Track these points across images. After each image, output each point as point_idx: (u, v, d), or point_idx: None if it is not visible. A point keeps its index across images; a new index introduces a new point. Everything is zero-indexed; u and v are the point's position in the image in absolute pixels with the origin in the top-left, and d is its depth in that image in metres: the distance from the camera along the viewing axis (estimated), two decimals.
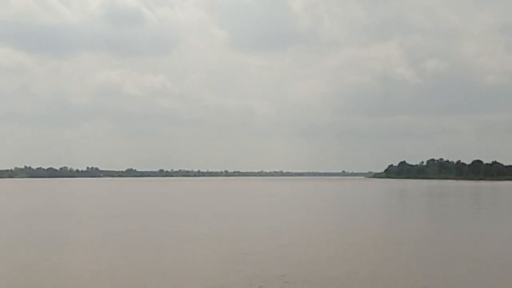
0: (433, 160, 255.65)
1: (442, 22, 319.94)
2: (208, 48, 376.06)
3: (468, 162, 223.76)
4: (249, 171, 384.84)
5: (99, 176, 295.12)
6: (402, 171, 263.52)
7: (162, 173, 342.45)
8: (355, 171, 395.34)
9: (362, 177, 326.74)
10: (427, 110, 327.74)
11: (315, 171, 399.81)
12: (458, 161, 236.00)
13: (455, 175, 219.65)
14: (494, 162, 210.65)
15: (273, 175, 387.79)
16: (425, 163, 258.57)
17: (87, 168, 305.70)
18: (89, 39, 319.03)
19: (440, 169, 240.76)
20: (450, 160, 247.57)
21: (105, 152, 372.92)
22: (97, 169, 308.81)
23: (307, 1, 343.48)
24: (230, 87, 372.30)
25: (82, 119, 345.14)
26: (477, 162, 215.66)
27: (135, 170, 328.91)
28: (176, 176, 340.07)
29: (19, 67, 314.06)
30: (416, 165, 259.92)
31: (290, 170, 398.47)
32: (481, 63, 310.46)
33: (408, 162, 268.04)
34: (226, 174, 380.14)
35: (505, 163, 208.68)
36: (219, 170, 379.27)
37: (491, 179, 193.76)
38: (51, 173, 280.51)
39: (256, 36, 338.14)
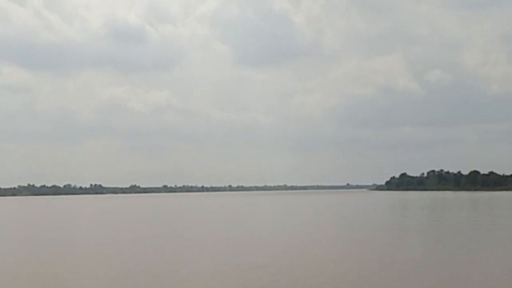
0: (433, 171, 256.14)
1: (444, 33, 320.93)
2: (212, 63, 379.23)
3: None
4: (252, 185, 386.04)
5: (102, 193, 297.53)
6: (402, 183, 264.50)
7: (165, 189, 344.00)
8: (359, 184, 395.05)
9: (365, 190, 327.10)
10: (431, 121, 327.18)
11: (319, 184, 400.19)
12: (458, 172, 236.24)
13: (453, 186, 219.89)
14: (491, 173, 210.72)
15: (277, 189, 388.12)
16: (425, 175, 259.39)
17: (91, 185, 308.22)
18: (93, 56, 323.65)
19: (439, 180, 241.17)
20: (451, 171, 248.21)
21: (109, 169, 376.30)
22: (100, 186, 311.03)
23: (309, 15, 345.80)
24: (234, 101, 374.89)
25: (86, 136, 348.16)
26: (474, 173, 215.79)
27: (138, 186, 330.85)
28: (180, 191, 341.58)
29: (24, 86, 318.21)
30: (416, 177, 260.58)
31: (294, 184, 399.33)
32: (484, 73, 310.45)
33: (412, 173, 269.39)
34: (230, 189, 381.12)
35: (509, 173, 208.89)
36: (222, 185, 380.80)
37: (488, 190, 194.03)
38: (54, 190, 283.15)
39: (259, 51, 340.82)
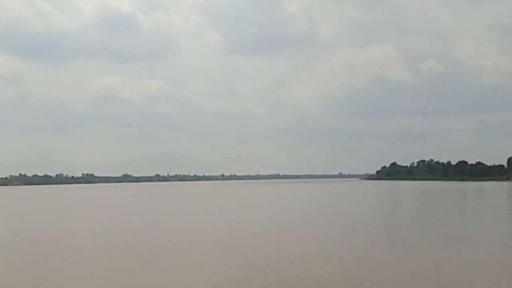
0: (423, 161, 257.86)
1: (437, 23, 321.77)
2: (205, 52, 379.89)
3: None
4: (245, 174, 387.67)
5: (95, 182, 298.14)
6: (392, 172, 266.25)
7: (158, 178, 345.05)
8: (352, 173, 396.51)
9: (356, 179, 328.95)
10: (424, 111, 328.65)
11: (312, 173, 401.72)
12: (448, 162, 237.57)
13: (442, 176, 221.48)
14: (478, 163, 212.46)
15: (269, 178, 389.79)
16: (415, 164, 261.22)
17: (83, 174, 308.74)
18: (86, 45, 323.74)
19: (428, 170, 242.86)
20: (441, 161, 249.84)
21: (101, 158, 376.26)
22: (92, 175, 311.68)
23: (303, 4, 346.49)
24: (227, 90, 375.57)
25: (79, 125, 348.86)
26: (462, 163, 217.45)
27: (131, 175, 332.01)
28: (172, 180, 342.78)
29: (16, 74, 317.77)
30: (406, 167, 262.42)
31: (287, 173, 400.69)
32: (476, 64, 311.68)
33: (404, 163, 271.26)
34: (223, 178, 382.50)
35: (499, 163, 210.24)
36: (215, 174, 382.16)
37: (475, 180, 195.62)
38: (46, 180, 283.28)
39: (252, 40, 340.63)
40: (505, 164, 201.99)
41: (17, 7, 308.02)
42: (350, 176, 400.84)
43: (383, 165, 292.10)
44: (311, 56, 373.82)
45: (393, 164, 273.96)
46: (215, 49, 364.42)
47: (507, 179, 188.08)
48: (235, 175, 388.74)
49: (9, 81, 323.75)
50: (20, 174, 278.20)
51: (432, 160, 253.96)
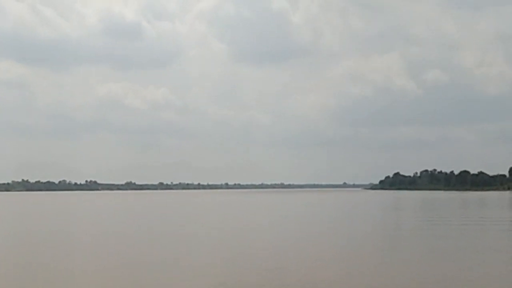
0: (426, 171, 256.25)
1: (441, 33, 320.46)
2: (209, 61, 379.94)
3: (470, 172, 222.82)
4: (249, 183, 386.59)
5: (98, 189, 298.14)
6: (395, 182, 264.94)
7: (161, 186, 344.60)
8: (356, 183, 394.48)
9: (360, 189, 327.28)
10: (428, 121, 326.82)
11: (316, 183, 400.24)
12: (451, 172, 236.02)
13: (444, 186, 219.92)
14: (480, 173, 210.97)
15: (274, 187, 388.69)
16: (418, 174, 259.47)
17: (86, 181, 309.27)
18: (90, 52, 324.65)
19: (431, 180, 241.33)
20: (444, 170, 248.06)
21: (104, 165, 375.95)
22: (95, 182, 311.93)
23: (307, 14, 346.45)
24: (232, 99, 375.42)
25: (82, 132, 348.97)
26: (464, 173, 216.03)
27: (134, 183, 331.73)
28: (176, 189, 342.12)
29: (20, 80, 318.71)
30: (409, 176, 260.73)
31: (291, 182, 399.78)
32: (481, 73, 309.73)
33: (408, 173, 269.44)
34: (227, 186, 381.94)
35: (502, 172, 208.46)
36: (219, 183, 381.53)
37: (477, 189, 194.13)
38: (48, 186, 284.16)
39: (257, 49, 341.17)
40: (507, 174, 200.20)
41: (21, 13, 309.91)
42: (354, 186, 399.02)
43: (386, 174, 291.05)
44: (315, 65, 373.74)
45: (396, 174, 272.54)
46: (219, 58, 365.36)
47: (509, 188, 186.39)
48: (239, 184, 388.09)
49: (13, 87, 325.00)
50: (23, 180, 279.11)
51: (435, 170, 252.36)
